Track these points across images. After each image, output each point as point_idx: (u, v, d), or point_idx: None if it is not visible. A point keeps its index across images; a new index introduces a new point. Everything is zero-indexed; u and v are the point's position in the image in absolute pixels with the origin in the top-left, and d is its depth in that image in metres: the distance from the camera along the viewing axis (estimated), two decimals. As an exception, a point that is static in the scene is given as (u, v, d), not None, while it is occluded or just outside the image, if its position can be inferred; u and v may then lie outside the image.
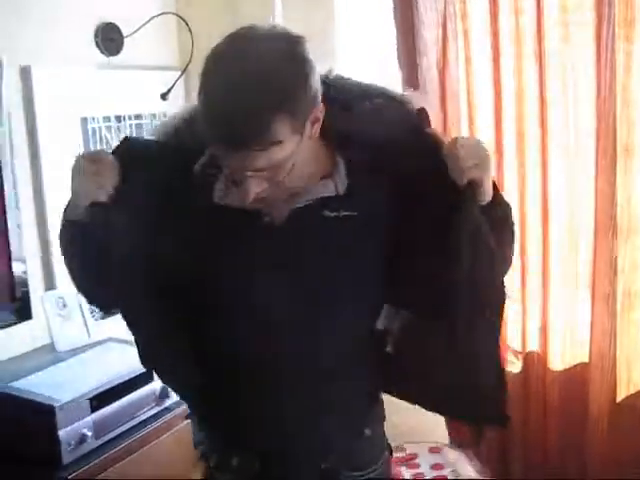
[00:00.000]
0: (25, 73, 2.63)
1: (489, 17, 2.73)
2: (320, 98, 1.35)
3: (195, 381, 1.57)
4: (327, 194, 1.46)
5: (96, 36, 2.88)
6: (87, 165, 1.42)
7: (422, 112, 1.53)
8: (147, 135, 1.59)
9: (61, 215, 1.51)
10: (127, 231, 1.42)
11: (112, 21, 2.91)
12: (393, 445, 3.16)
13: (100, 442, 2.24)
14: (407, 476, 2.97)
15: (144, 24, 2.95)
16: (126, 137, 1.57)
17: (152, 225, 1.43)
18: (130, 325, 1.55)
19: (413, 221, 1.47)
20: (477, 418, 1.69)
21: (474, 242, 1.42)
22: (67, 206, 1.48)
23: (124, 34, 2.94)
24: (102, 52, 2.90)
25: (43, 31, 2.65)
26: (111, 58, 2.93)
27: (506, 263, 1.56)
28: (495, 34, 2.73)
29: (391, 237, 1.50)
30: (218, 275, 1.48)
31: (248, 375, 1.53)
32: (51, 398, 2.09)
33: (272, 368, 1.50)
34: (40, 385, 2.14)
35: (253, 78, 1.26)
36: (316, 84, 1.34)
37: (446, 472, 2.97)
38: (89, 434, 2.18)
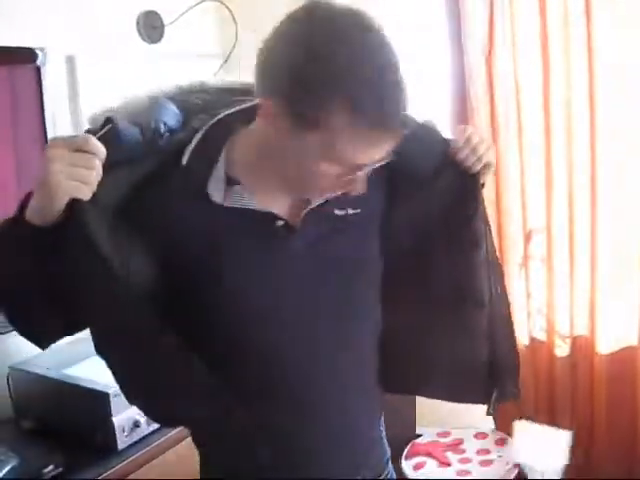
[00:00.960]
0: (70, 62, 2.64)
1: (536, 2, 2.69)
2: None
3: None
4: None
5: (138, 24, 2.89)
6: (69, 153, 1.15)
7: None
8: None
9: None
10: (116, 236, 1.23)
11: (153, 9, 2.91)
12: (439, 430, 3.20)
13: (153, 428, 2.25)
14: (454, 461, 2.97)
15: (185, 11, 2.94)
16: (111, 119, 1.27)
17: (146, 230, 1.28)
18: (117, 357, 1.32)
19: (411, 211, 1.50)
20: (493, 397, 1.62)
21: (486, 221, 1.52)
22: (21, 208, 1.19)
23: (165, 22, 2.95)
24: (144, 40, 2.90)
25: (86, 20, 2.66)
26: (153, 46, 2.93)
27: None
28: (543, 18, 2.69)
29: (391, 232, 1.50)
30: (233, 286, 1.34)
31: (272, 387, 1.42)
32: (105, 385, 2.12)
33: (298, 371, 1.42)
34: (93, 372, 2.14)
35: (392, 55, 1.19)
36: None
37: (493, 456, 2.97)
38: (142, 420, 2.19)
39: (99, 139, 1.18)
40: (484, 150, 1.46)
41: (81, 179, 1.15)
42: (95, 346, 1.31)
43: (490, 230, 1.54)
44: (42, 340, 1.36)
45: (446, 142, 1.47)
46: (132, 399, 1.40)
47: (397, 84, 1.18)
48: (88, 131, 1.28)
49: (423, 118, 1.50)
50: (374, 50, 1.17)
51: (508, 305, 1.59)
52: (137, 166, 1.28)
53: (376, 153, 1.23)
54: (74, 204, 1.15)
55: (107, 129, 1.25)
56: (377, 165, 1.26)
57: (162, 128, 1.30)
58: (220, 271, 1.33)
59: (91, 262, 1.19)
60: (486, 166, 1.48)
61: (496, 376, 1.59)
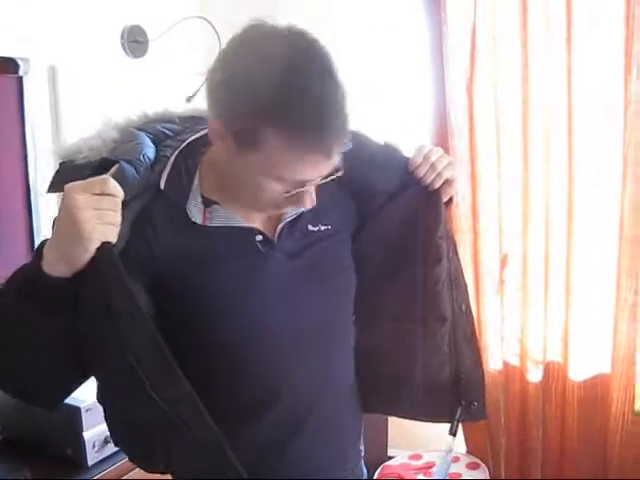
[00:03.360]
0: (52, 73, 2.63)
1: (519, 28, 2.73)
2: None
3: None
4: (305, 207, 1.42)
5: (122, 38, 2.88)
6: (93, 197, 1.14)
7: None
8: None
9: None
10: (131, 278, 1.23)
11: (138, 24, 2.91)
12: (411, 453, 3.19)
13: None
14: (424, 484, 2.97)
15: (170, 27, 2.95)
16: (108, 159, 1.29)
17: (134, 260, 1.29)
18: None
19: (375, 230, 1.54)
20: (458, 415, 1.63)
21: (451, 238, 1.55)
22: (37, 262, 1.17)
23: (150, 37, 2.95)
24: (127, 54, 2.90)
25: (70, 31, 2.65)
26: (136, 60, 2.93)
27: None
28: (525, 45, 2.73)
29: (357, 248, 1.53)
30: (218, 303, 1.36)
31: (254, 404, 1.43)
32: (77, 399, 2.09)
33: (279, 383, 1.42)
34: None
35: (331, 79, 1.20)
36: None
37: (464, 481, 2.97)
38: (113, 436, 2.17)
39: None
40: (443, 166, 1.48)
41: (110, 222, 1.16)
42: (100, 393, 1.34)
43: (455, 247, 1.56)
44: (52, 403, 1.36)
45: (407, 160, 1.51)
46: (123, 443, 1.41)
47: (334, 108, 1.20)
48: (68, 166, 1.30)
49: (383, 139, 1.55)
50: (312, 76, 1.18)
51: (472, 323, 1.61)
52: (133, 205, 1.30)
53: (315, 172, 1.26)
54: (103, 247, 1.16)
55: (117, 169, 1.25)
56: (323, 181, 1.29)
57: (148, 162, 1.32)
58: (205, 287, 1.35)
59: (122, 302, 1.19)
60: (447, 182, 1.50)
61: (461, 394, 1.60)
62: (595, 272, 2.77)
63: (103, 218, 1.15)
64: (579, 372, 2.87)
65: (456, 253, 1.57)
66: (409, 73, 3.06)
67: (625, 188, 2.64)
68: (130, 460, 1.45)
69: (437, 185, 1.49)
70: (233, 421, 1.40)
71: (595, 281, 2.78)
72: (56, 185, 1.29)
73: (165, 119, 1.44)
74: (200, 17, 3.05)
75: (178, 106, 1.51)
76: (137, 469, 2.19)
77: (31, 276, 1.18)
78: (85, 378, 1.33)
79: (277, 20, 1.25)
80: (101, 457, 2.17)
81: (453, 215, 2.83)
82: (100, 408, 1.38)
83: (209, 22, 3.04)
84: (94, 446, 2.15)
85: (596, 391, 2.85)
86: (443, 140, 2.89)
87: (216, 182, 1.36)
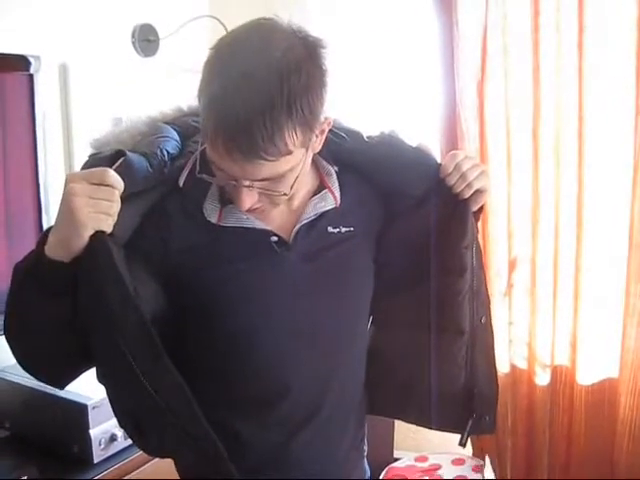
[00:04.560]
0: (63, 71, 2.64)
1: (530, 32, 2.72)
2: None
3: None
4: (327, 207, 1.43)
5: (133, 37, 2.89)
6: (90, 186, 1.17)
7: None
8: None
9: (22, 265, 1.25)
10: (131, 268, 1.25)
11: (149, 22, 2.92)
12: (417, 455, 3.19)
13: (129, 442, 2.22)
14: (430, 487, 2.97)
15: (181, 26, 2.95)
16: (121, 151, 1.29)
17: (148, 255, 1.33)
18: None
19: (400, 234, 1.52)
20: (467, 427, 1.62)
21: (478, 250, 1.52)
22: (41, 246, 1.21)
23: (160, 36, 2.95)
24: (138, 53, 2.91)
25: (81, 30, 2.66)
26: (147, 59, 2.93)
27: None
28: (536, 49, 2.72)
29: (380, 250, 1.52)
30: (232, 300, 1.38)
31: (260, 405, 1.45)
32: (83, 396, 2.12)
33: (285, 382, 1.43)
34: (73, 384, 2.14)
35: (270, 83, 1.17)
36: (327, 94, 1.27)
37: (469, 484, 2.96)
38: (119, 434, 2.18)
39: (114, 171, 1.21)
40: (475, 176, 1.44)
41: (104, 211, 1.18)
42: (98, 374, 1.33)
43: (481, 259, 1.53)
44: (60, 379, 1.39)
45: (439, 166, 1.47)
46: (123, 425, 1.41)
47: (259, 114, 1.17)
48: (94, 157, 1.32)
49: (417, 142, 1.51)
50: (249, 77, 1.17)
51: (492, 337, 1.58)
52: (146, 197, 1.33)
53: (235, 169, 1.24)
54: (97, 235, 1.18)
55: (121, 162, 1.27)
56: (259, 185, 1.27)
57: (166, 156, 1.34)
58: (217, 284, 1.36)
59: (113, 288, 1.21)
60: (478, 192, 1.46)
61: (473, 407, 1.58)
62: (604, 277, 2.76)
63: (97, 207, 1.17)
64: (587, 376, 2.85)
65: (481, 264, 1.53)
66: (419, 75, 3.06)
67: (635, 193, 2.62)
68: (131, 440, 1.45)
69: (467, 195, 1.45)
70: (238, 417, 1.42)
71: (604, 286, 2.77)
72: None
73: (197, 112, 1.43)
74: (210, 16, 3.05)
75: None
76: (143, 467, 2.22)
77: (34, 258, 1.22)
78: (93, 360, 1.33)
79: (286, 19, 1.25)
80: (107, 455, 2.18)
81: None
82: (107, 406, 1.39)
83: (220, 21, 3.03)
84: (100, 444, 2.15)
85: (604, 396, 2.84)
86: (453, 143, 2.89)
87: None
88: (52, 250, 1.19)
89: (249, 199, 1.29)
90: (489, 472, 3.08)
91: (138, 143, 1.34)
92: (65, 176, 1.19)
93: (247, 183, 1.26)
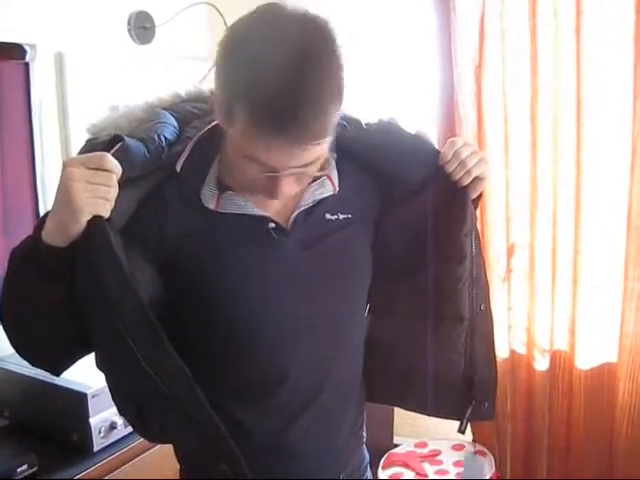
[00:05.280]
0: (59, 59, 2.63)
1: (528, 16, 2.71)
2: None
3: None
4: (325, 194, 1.42)
5: (128, 24, 2.88)
6: (87, 171, 1.16)
7: None
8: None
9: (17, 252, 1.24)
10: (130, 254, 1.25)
11: (145, 10, 2.90)
12: (417, 441, 3.20)
13: (129, 430, 2.23)
14: (430, 472, 2.98)
15: (177, 13, 2.94)
16: (119, 136, 1.28)
17: (144, 241, 1.32)
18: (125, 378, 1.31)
19: (399, 221, 1.51)
20: (467, 414, 1.61)
21: (477, 237, 1.51)
22: (38, 232, 1.20)
23: (156, 23, 2.94)
24: (134, 40, 2.89)
25: (77, 18, 2.65)
26: (143, 47, 2.92)
27: None
28: (534, 33, 2.71)
29: (378, 237, 1.51)
30: (231, 286, 1.37)
31: (258, 393, 1.44)
32: (83, 385, 2.12)
33: (283, 368, 1.42)
34: (72, 372, 2.15)
35: (309, 66, 1.15)
36: None
37: (469, 469, 2.97)
38: (119, 422, 2.18)
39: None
40: (474, 164, 1.43)
41: (102, 196, 1.18)
42: (98, 361, 1.33)
43: (480, 246, 1.52)
44: (56, 366, 1.38)
45: (437, 153, 1.46)
46: (123, 412, 1.40)
47: (309, 99, 1.15)
48: (91, 142, 1.31)
49: (415, 128, 1.50)
50: (293, 61, 1.14)
51: (492, 324, 1.57)
52: (143, 183, 1.32)
53: (281, 159, 1.22)
54: (95, 220, 1.18)
55: (119, 147, 1.26)
56: (297, 171, 1.25)
57: (164, 142, 1.33)
58: (215, 270, 1.36)
59: (111, 272, 1.21)
60: (477, 179, 1.45)
61: (472, 394, 1.58)
62: (602, 261, 2.77)
63: (95, 192, 1.17)
64: (586, 361, 2.86)
65: (480, 252, 1.52)
66: (417, 61, 3.05)
67: (633, 177, 2.63)
68: (132, 427, 1.45)
69: (465, 183, 1.44)
70: (240, 405, 1.42)
71: (602, 270, 2.77)
72: None
73: (197, 99, 1.44)
74: (207, 3, 3.05)
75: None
76: (142, 455, 2.22)
77: (32, 243, 1.21)
78: (90, 346, 1.32)
79: (287, 6, 1.23)
80: (107, 443, 2.18)
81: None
82: (107, 394, 1.39)
83: (216, 8, 3.03)
84: (100, 432, 2.15)
85: (603, 380, 2.85)
86: (451, 129, 2.88)
87: (231, 167, 1.35)
88: (49, 235, 1.19)
89: (288, 187, 1.29)
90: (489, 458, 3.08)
91: (135, 129, 1.33)
92: (62, 161, 1.18)
93: (291, 170, 1.25)
